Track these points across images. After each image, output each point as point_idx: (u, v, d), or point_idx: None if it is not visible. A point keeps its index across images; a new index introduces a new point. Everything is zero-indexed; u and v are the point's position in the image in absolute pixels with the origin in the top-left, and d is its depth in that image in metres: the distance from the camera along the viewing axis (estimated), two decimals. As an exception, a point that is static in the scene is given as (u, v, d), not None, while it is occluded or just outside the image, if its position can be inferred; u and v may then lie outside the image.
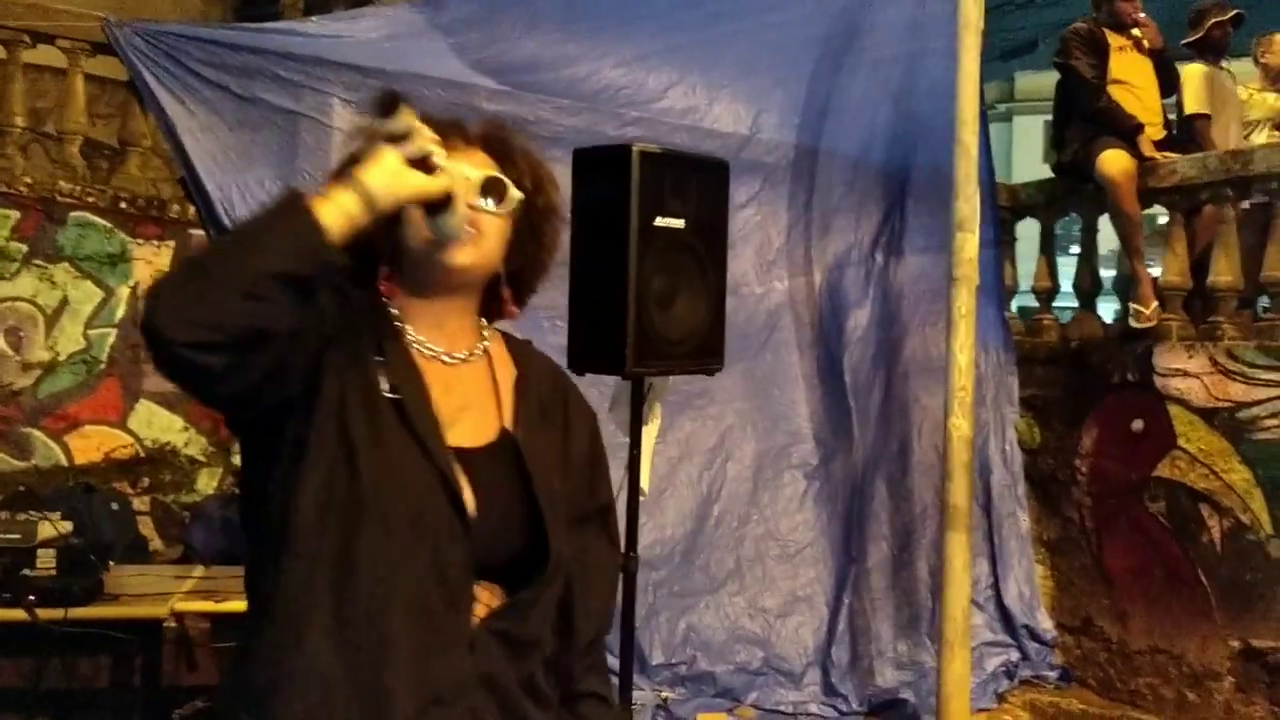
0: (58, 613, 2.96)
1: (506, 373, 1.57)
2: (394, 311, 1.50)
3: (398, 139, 1.38)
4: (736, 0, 4.74)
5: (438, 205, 1.42)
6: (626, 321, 2.92)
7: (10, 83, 4.80)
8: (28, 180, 4.67)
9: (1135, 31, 5.39)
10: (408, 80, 4.74)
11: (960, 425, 4.09)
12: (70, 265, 4.59)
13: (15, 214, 4.57)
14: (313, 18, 5.53)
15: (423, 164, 1.39)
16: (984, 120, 4.55)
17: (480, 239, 1.48)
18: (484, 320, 1.58)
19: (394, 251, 1.49)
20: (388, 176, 1.36)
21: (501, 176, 1.50)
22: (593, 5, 4.80)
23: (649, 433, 3.32)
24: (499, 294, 1.57)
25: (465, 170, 1.45)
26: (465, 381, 1.52)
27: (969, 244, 4.13)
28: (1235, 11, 5.67)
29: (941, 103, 4.33)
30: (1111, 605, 4.98)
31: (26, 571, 3.01)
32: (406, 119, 1.39)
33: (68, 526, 3.18)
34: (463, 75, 4.75)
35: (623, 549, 3.20)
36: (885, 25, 4.87)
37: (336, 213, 1.32)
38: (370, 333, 1.45)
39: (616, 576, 1.67)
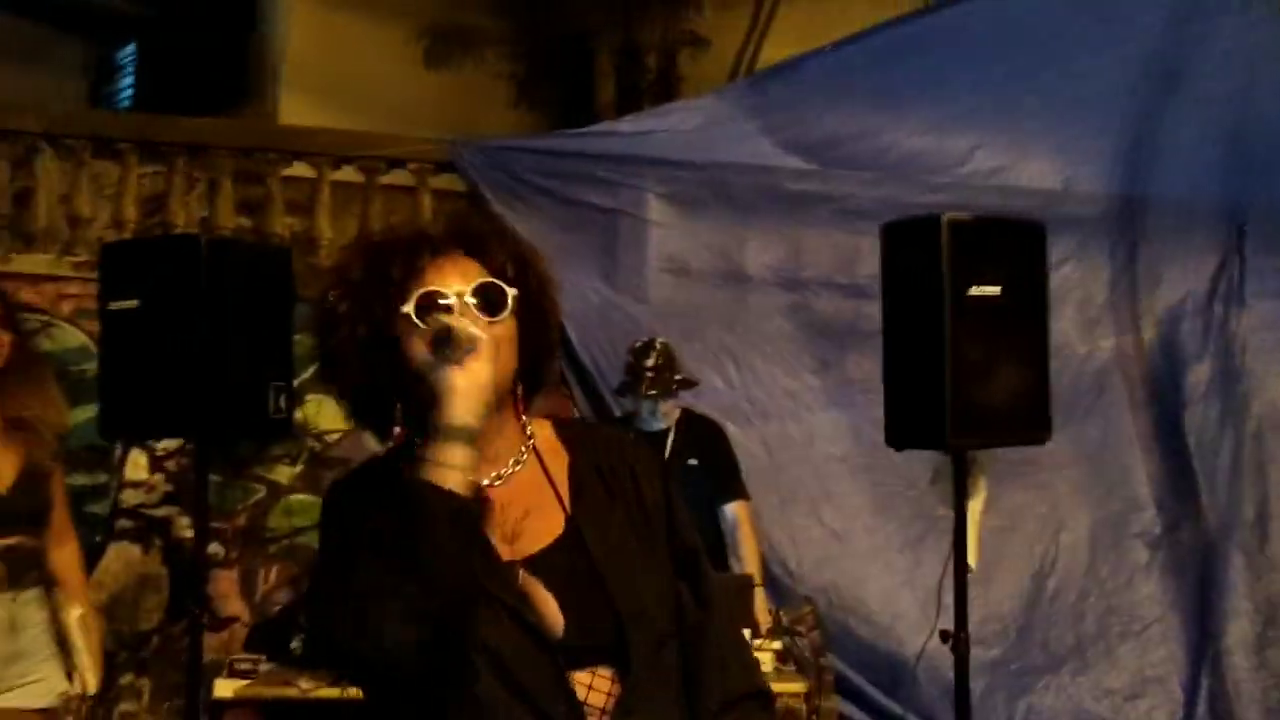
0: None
1: (559, 462, 1.49)
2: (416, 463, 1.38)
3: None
4: (1038, 55, 4.65)
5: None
6: (944, 394, 2.90)
7: (370, 204, 5.42)
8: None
9: None
10: (717, 169, 4.97)
11: (1328, 487, 3.72)
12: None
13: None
14: (626, 117, 5.89)
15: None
16: (1333, 151, 4.20)
17: (489, 350, 1.35)
18: (524, 417, 1.49)
19: (408, 404, 1.39)
20: (472, 397, 1.31)
21: (495, 282, 1.40)
22: (892, 77, 4.84)
23: (974, 507, 3.25)
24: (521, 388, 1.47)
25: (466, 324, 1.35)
26: (520, 489, 1.44)
27: (1324, 288, 3.79)
28: None
29: (1278, 135, 4.05)
30: None
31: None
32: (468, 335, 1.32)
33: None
34: (771, 158, 4.91)
35: (951, 627, 3.14)
36: (1208, 60, 4.61)
37: (458, 478, 1.29)
38: (390, 498, 1.36)
39: (721, 633, 1.52)
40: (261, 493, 5.08)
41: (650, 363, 4.04)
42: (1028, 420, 3.10)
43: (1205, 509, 4.50)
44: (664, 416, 4.11)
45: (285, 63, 9.47)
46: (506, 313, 1.39)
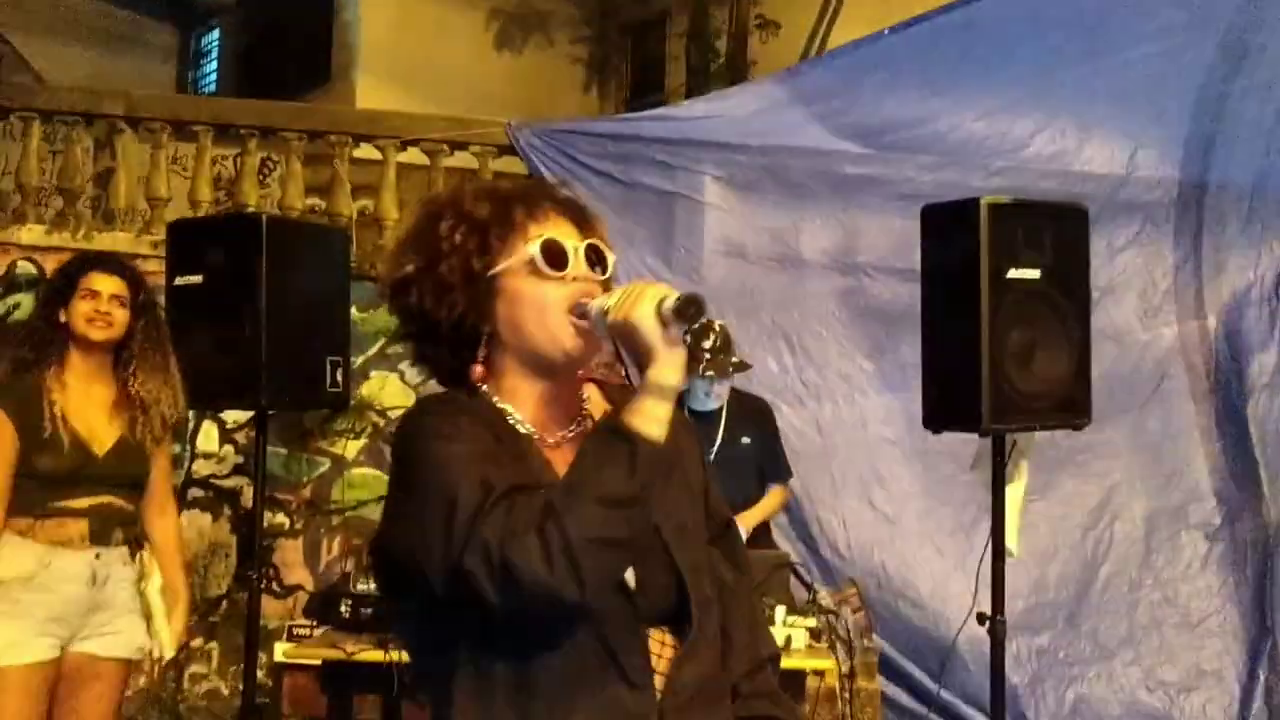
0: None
1: None
2: (496, 400, 1.44)
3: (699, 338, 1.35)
4: (1103, 38, 4.55)
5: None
6: (981, 377, 2.90)
7: (433, 187, 5.53)
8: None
9: None
10: (773, 153, 4.98)
11: (1390, 480, 3.63)
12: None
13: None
14: (684, 102, 5.92)
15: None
16: None
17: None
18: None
19: (493, 334, 1.43)
20: (672, 361, 1.33)
21: (599, 244, 1.46)
22: (951, 60, 4.78)
23: (1014, 491, 3.24)
24: None
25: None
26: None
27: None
28: None
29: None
30: None
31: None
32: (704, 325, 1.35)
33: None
34: (826, 142, 4.90)
35: (989, 610, 3.14)
36: (1277, 45, 4.48)
37: (660, 428, 1.32)
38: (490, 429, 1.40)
39: (751, 598, 1.63)
40: (326, 465, 5.24)
41: (708, 344, 4.08)
42: (1067, 405, 3.08)
43: (1267, 502, 4.40)
44: (716, 397, 4.16)
45: (363, 47, 9.69)
46: (608, 274, 1.44)
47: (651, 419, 1.31)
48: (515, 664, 1.35)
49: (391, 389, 5.27)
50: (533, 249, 1.40)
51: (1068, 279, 3.09)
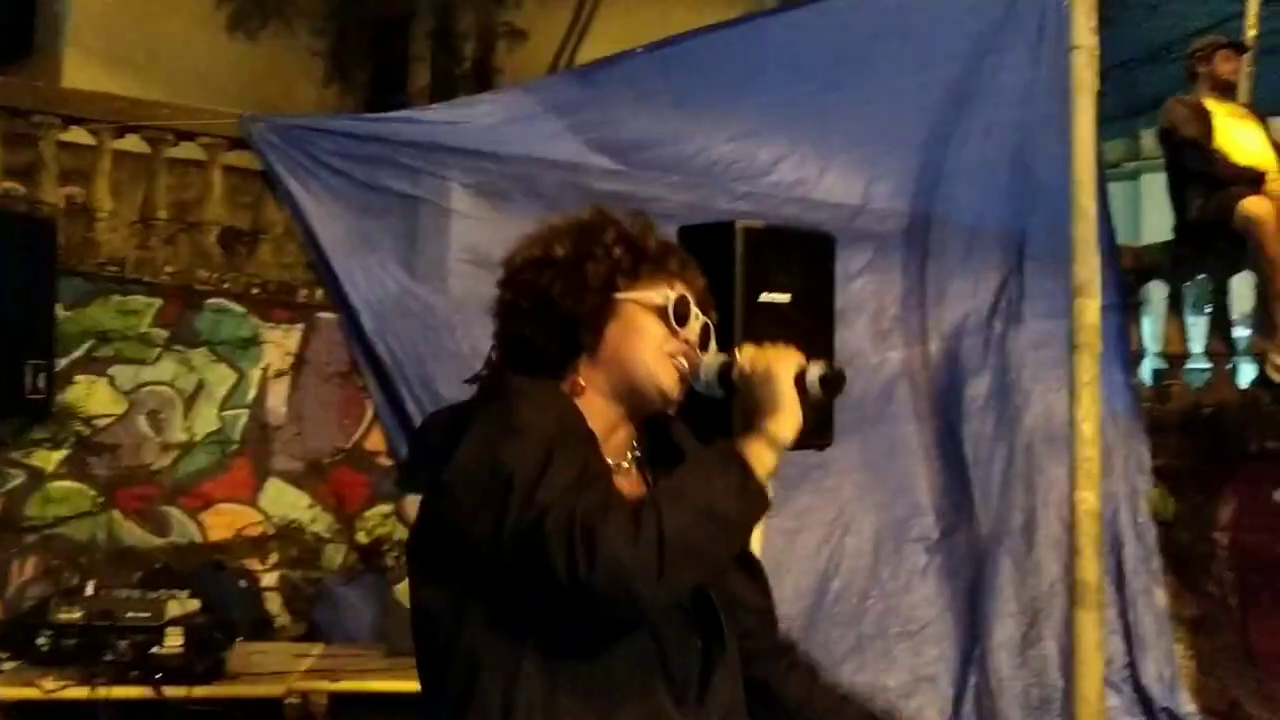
0: (182, 691, 3.06)
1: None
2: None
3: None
4: (847, 72, 4.75)
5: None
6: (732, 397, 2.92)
7: (155, 178, 5.11)
8: (169, 269, 4.95)
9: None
10: (524, 163, 4.90)
11: (1087, 498, 3.93)
12: (207, 350, 4.83)
13: (158, 302, 4.84)
14: (433, 106, 5.76)
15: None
16: (1104, 182, 4.45)
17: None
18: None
19: (593, 350, 1.55)
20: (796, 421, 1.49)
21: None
22: (702, 83, 4.86)
23: (759, 509, 3.29)
24: None
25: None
26: (630, 480, 1.58)
27: (1089, 310, 4.01)
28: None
29: (1059, 166, 4.25)
30: (1260, 688, 4.70)
31: (155, 649, 3.14)
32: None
33: (195, 605, 3.31)
34: (578, 156, 4.87)
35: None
36: (1000, 91, 4.80)
37: (766, 475, 1.46)
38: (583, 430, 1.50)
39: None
40: (20, 479, 4.72)
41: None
42: (813, 425, 3.15)
43: (979, 516, 4.70)
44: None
45: (71, 18, 8.84)
46: (706, 351, 1.65)
47: (761, 463, 1.46)
48: (569, 662, 1.36)
49: (99, 396, 4.82)
50: (670, 296, 1.57)
51: (814, 303, 3.15)
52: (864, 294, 4.85)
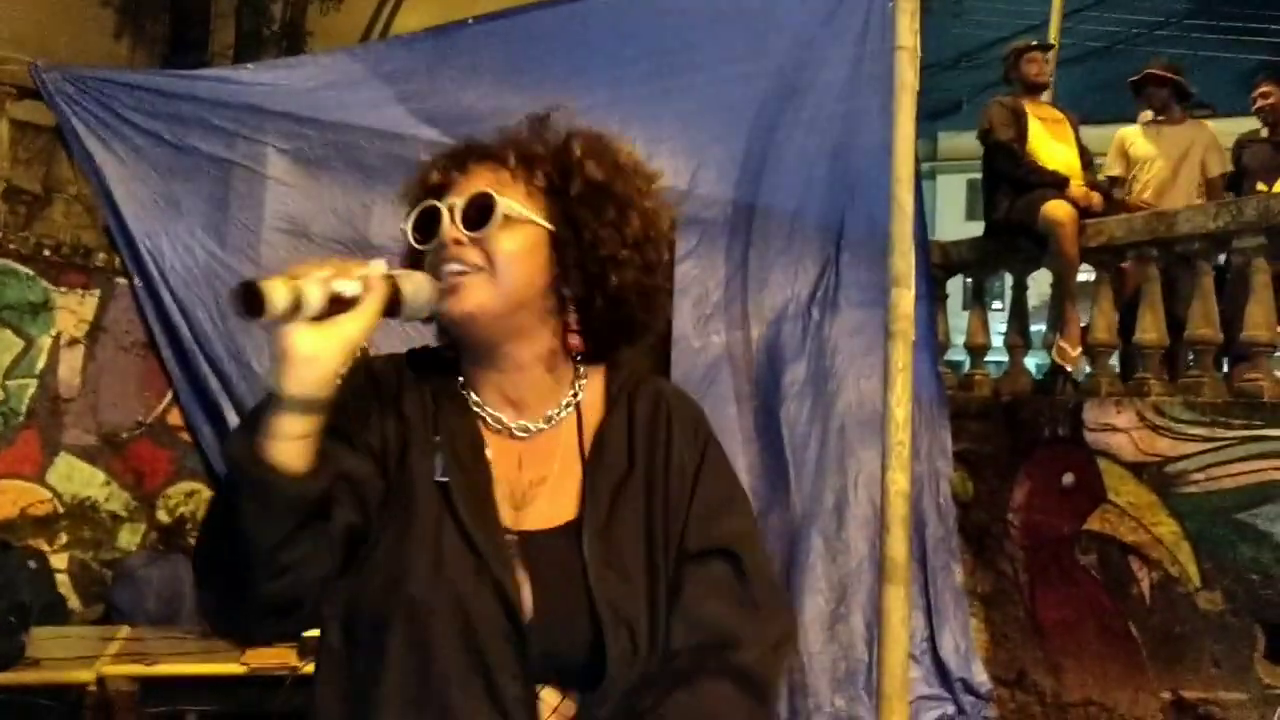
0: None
1: (595, 424, 1.35)
2: (467, 392, 1.34)
3: (288, 315, 1.12)
4: (678, 57, 4.78)
5: (392, 306, 1.22)
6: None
7: (-70, 126, 4.66)
8: (-54, 226, 4.52)
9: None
10: (346, 130, 4.72)
11: (898, 479, 4.09)
12: (-10, 315, 4.44)
13: (-68, 262, 4.42)
14: (248, 65, 5.46)
15: (339, 302, 1.15)
16: (917, 179, 4.63)
17: (475, 276, 1.27)
18: (579, 367, 1.37)
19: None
20: (305, 366, 1.11)
21: (486, 191, 1.29)
22: (533, 59, 4.79)
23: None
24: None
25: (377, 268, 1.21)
26: (544, 451, 1.32)
27: (905, 300, 4.16)
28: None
29: (877, 161, 4.39)
30: (1045, 658, 5.02)
31: (-59, 636, 2.87)
32: (279, 294, 1.11)
33: (-16, 588, 3.04)
34: (404, 125, 4.72)
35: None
36: (823, 85, 4.94)
37: (286, 447, 1.11)
38: (435, 419, 1.31)
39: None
40: None
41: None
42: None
43: (793, 497, 4.84)
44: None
45: None
46: (490, 227, 1.27)
47: (280, 440, 1.19)
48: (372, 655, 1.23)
49: None
50: (406, 224, 1.40)
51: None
52: (688, 279, 4.91)
